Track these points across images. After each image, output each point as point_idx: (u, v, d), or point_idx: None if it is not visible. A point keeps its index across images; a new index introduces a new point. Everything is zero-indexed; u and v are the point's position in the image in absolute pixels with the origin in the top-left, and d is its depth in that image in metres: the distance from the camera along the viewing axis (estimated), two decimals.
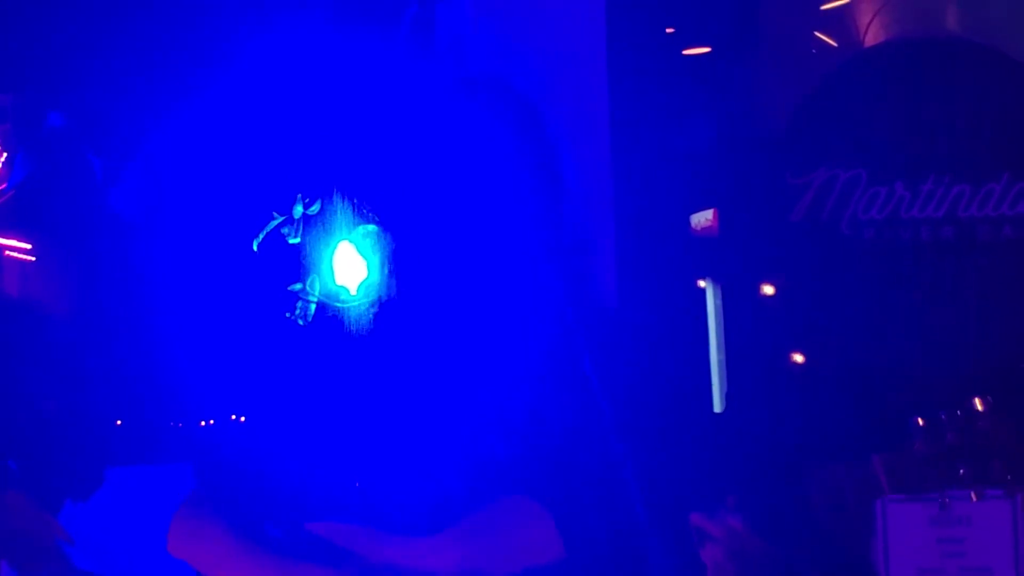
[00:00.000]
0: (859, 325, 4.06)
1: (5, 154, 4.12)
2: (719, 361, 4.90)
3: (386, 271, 2.68)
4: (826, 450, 4.57)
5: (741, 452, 4.74)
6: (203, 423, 2.63)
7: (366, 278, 2.77)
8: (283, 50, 3.73)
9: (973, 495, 2.28)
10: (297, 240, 3.06)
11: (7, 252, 6.75)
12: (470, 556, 2.26)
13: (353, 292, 2.77)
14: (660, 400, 3.81)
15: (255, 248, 3.76)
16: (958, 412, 2.27)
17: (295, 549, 2.28)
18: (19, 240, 6.51)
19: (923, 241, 4.00)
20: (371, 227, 3.07)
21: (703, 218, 4.85)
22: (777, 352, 4.85)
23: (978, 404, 2.28)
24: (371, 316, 2.69)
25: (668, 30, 4.50)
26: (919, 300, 4.00)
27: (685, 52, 4.78)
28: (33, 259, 6.64)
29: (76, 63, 4.88)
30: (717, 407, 4.83)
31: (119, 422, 5.30)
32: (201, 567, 2.35)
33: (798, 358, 4.77)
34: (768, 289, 4.54)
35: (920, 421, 2.29)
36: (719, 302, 4.93)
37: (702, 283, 4.88)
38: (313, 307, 2.83)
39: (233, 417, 2.50)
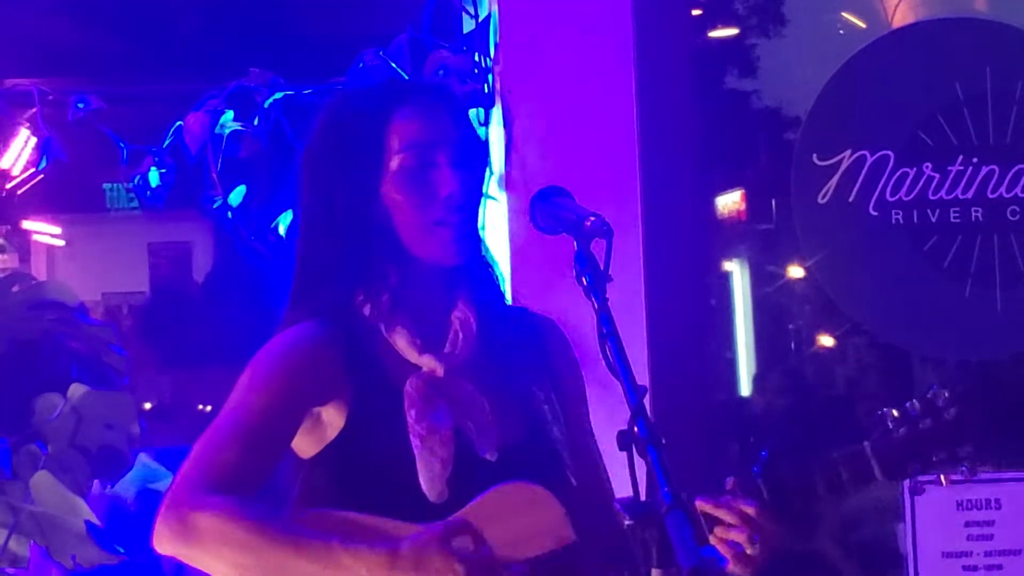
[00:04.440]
0: (887, 307, 4.04)
1: (35, 139, 4.13)
2: (746, 344, 4.89)
3: None
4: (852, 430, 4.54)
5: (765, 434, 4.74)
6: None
7: None
8: None
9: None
10: None
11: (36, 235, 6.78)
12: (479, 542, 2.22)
13: None
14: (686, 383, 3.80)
15: None
16: (927, 398, 2.28)
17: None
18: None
19: (952, 223, 3.98)
20: None
21: (730, 200, 4.84)
22: (804, 333, 4.84)
23: (943, 394, 2.29)
24: None
25: (695, 12, 4.47)
26: (947, 282, 3.97)
27: (711, 34, 4.77)
28: (63, 243, 6.68)
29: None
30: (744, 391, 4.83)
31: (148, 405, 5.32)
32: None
33: (826, 339, 4.77)
34: (796, 271, 4.53)
35: (894, 412, 2.30)
36: (746, 284, 4.92)
37: (728, 265, 4.87)
38: None
39: None
